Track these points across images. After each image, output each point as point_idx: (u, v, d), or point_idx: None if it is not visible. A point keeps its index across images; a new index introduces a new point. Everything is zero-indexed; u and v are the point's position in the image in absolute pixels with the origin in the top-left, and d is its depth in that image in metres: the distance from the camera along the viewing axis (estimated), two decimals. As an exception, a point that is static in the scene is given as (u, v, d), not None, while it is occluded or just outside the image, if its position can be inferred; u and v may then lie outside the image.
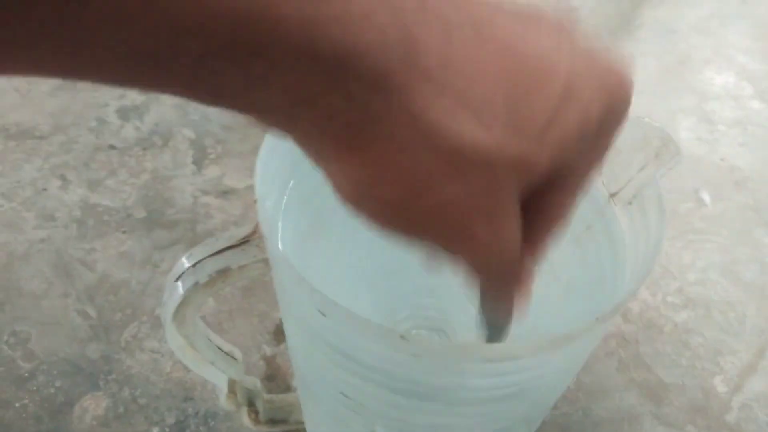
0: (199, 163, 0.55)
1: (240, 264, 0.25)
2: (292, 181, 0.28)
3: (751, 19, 0.73)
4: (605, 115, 0.17)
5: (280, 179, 0.27)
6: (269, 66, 0.13)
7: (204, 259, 0.25)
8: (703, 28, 0.72)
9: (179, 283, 0.25)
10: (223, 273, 0.25)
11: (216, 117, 0.59)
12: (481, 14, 0.15)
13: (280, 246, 0.23)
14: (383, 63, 0.13)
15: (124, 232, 0.50)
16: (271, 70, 0.13)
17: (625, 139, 0.27)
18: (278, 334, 0.45)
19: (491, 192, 0.16)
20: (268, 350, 0.44)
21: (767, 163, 0.59)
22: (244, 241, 0.25)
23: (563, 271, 0.32)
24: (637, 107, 0.28)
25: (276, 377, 0.43)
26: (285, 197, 0.28)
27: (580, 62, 0.16)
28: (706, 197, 0.55)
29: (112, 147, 0.56)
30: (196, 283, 0.25)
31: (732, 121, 0.62)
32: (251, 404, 0.36)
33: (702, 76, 0.67)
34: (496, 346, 0.21)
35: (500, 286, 0.19)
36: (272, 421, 0.37)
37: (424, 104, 0.14)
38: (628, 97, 0.18)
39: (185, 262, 0.25)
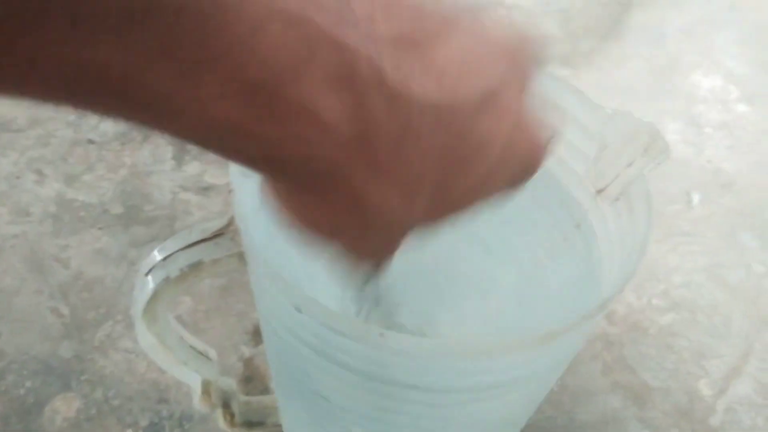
0: (179, 158, 0.54)
1: (213, 257, 0.24)
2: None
3: (739, 25, 0.74)
4: (505, 192, 0.19)
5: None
6: (244, 158, 0.15)
7: (176, 252, 0.24)
8: (692, 33, 0.72)
9: (149, 277, 0.24)
10: (196, 267, 0.24)
11: (198, 112, 0.58)
12: (450, 92, 0.16)
13: (255, 239, 0.22)
14: (336, 161, 0.15)
15: (100, 229, 0.49)
16: (245, 159, 0.15)
17: (612, 134, 0.27)
18: (256, 335, 0.44)
19: (395, 241, 0.19)
20: (246, 351, 0.43)
21: (753, 166, 0.58)
22: (218, 234, 0.24)
23: (551, 270, 0.31)
24: (625, 109, 0.28)
25: (254, 378, 0.42)
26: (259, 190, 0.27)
27: (509, 144, 0.18)
28: (693, 199, 0.55)
29: (90, 141, 0.55)
30: (167, 278, 0.24)
31: (719, 124, 0.62)
32: (227, 406, 0.34)
33: (690, 79, 0.67)
34: (477, 343, 0.20)
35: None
36: (249, 424, 0.36)
37: (362, 187, 0.16)
38: (528, 178, 0.19)
39: (156, 255, 0.24)
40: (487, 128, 0.17)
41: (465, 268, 0.34)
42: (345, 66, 0.14)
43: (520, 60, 0.18)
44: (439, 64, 0.16)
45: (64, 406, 0.40)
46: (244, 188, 0.23)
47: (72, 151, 0.54)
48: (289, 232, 0.19)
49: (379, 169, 0.16)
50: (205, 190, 0.52)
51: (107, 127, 0.56)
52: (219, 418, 0.35)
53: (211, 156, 0.57)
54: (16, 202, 0.50)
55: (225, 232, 0.24)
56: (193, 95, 0.13)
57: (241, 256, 0.24)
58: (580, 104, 0.27)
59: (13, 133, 0.55)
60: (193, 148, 0.55)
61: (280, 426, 0.37)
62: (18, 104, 0.57)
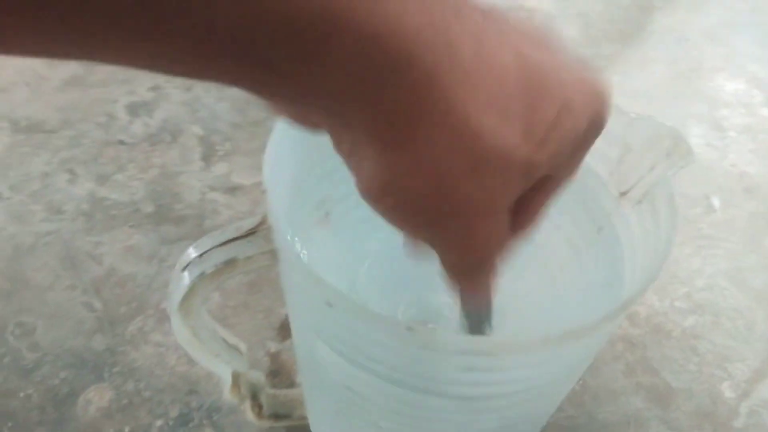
0: (207, 159, 0.55)
1: (247, 255, 0.25)
2: (301, 173, 0.28)
3: (761, 28, 0.73)
4: (589, 129, 0.18)
5: (289, 170, 0.27)
6: (335, 60, 0.14)
7: (211, 249, 0.25)
8: (714, 36, 0.72)
9: (186, 273, 0.25)
10: (230, 263, 0.25)
11: (224, 114, 0.59)
12: (502, 26, 0.17)
13: (288, 237, 0.23)
14: (431, 65, 0.15)
15: (131, 227, 0.50)
16: (336, 65, 0.14)
17: (636, 138, 0.27)
18: (283, 330, 0.45)
19: (498, 195, 0.17)
20: (272, 346, 0.44)
21: (777, 170, 0.58)
22: (252, 232, 0.25)
23: (574, 273, 0.32)
24: (647, 113, 0.28)
25: (280, 373, 0.43)
26: (294, 189, 0.28)
27: (574, 79, 0.18)
28: (715, 203, 0.55)
29: (121, 142, 0.56)
30: (203, 273, 0.25)
31: (742, 127, 0.62)
32: (255, 398, 0.35)
33: (713, 83, 0.67)
34: (504, 340, 0.21)
35: (479, 280, 0.20)
36: (276, 416, 0.37)
37: (460, 100, 0.15)
38: (607, 114, 0.19)
39: (192, 252, 0.25)
40: (545, 58, 0.17)
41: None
42: None
43: (555, 39, 0.19)
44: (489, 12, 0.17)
45: (96, 397, 0.41)
46: (277, 187, 0.24)
47: (103, 152, 0.55)
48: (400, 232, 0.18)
49: (469, 77, 0.15)
50: (233, 190, 0.53)
51: (137, 128, 0.58)
52: (247, 409, 0.36)
53: (239, 157, 0.58)
54: (49, 201, 0.51)
55: (258, 230, 0.25)
56: None
57: (273, 253, 0.25)
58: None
59: (46, 134, 0.57)
60: (221, 149, 0.56)
61: (306, 419, 0.37)
62: (50, 106, 0.59)
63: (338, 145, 0.18)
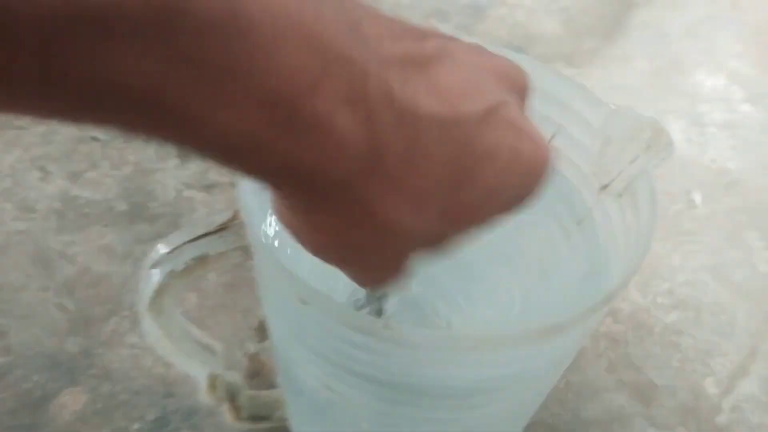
0: (183, 156, 0.54)
1: (218, 251, 0.24)
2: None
3: (741, 24, 0.74)
4: (514, 205, 0.19)
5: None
6: (254, 170, 0.15)
7: (181, 245, 0.24)
8: (694, 32, 0.72)
9: (155, 270, 0.25)
10: (201, 260, 0.24)
11: (203, 111, 0.58)
12: (452, 108, 0.17)
13: (260, 232, 0.22)
14: (348, 174, 0.15)
15: (105, 225, 0.49)
16: (255, 171, 0.15)
17: (616, 130, 0.27)
18: (262, 331, 0.44)
19: (401, 255, 0.19)
20: (251, 347, 0.43)
21: (758, 165, 0.58)
22: (223, 228, 0.24)
23: (555, 267, 0.31)
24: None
25: (260, 374, 0.42)
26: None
27: (514, 155, 0.18)
28: (696, 199, 0.55)
29: (94, 139, 0.55)
30: (172, 271, 0.24)
31: (723, 123, 0.62)
32: (233, 400, 0.35)
33: (693, 79, 0.67)
34: (481, 335, 0.20)
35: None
36: (255, 418, 0.36)
37: (376, 200, 0.16)
38: (538, 189, 0.19)
39: (161, 249, 0.25)
40: (491, 139, 0.18)
41: (468, 264, 0.34)
42: (357, 82, 0.15)
43: (517, 81, 0.19)
44: (442, 82, 0.17)
45: (71, 400, 0.40)
46: (249, 182, 0.24)
47: (76, 149, 0.54)
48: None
49: (390, 181, 0.16)
50: (210, 187, 0.52)
51: (113, 124, 0.56)
52: (226, 412, 0.35)
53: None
54: (21, 199, 0.50)
55: (230, 225, 0.24)
56: (215, 104, 0.13)
57: (246, 250, 0.24)
58: (582, 99, 0.27)
59: (17, 130, 0.55)
60: (198, 146, 0.55)
61: (286, 420, 0.37)
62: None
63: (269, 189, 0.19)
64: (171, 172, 0.53)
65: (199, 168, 0.53)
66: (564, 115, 0.28)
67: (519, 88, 0.19)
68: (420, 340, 0.20)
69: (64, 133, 0.55)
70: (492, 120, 0.18)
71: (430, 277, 0.33)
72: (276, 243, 0.25)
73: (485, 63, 0.18)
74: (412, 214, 0.17)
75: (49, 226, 0.49)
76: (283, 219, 0.18)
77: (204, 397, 0.32)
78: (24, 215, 0.49)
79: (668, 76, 0.67)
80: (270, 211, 0.28)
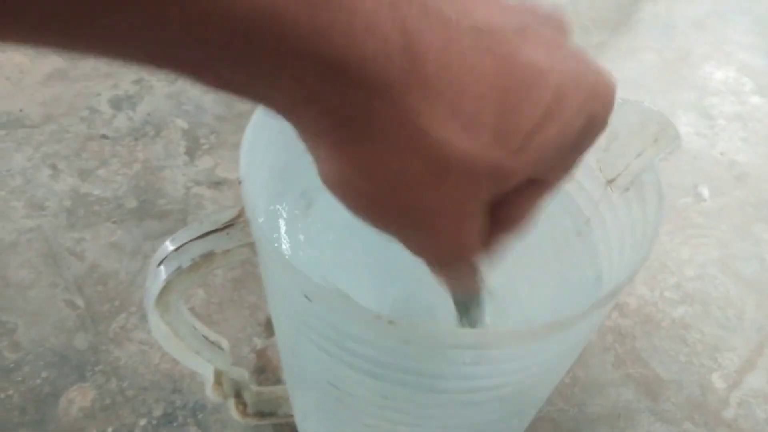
0: (191, 153, 0.54)
1: (224, 248, 0.24)
2: (278, 165, 0.27)
3: (750, 16, 0.73)
4: (584, 129, 0.17)
5: (266, 162, 0.26)
6: (276, 66, 0.13)
7: (187, 242, 0.24)
8: (703, 24, 0.71)
9: (162, 267, 0.25)
10: (208, 257, 0.24)
11: (210, 108, 0.58)
12: (483, 19, 0.15)
13: (265, 229, 0.22)
14: (383, 71, 0.14)
15: (114, 222, 0.49)
16: (277, 70, 0.14)
17: (623, 124, 0.27)
18: (269, 327, 0.44)
19: (464, 199, 0.17)
20: (258, 342, 0.43)
21: (767, 158, 0.58)
22: (229, 225, 0.24)
23: (562, 262, 0.31)
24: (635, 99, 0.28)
25: (266, 370, 0.42)
26: (271, 181, 0.27)
27: (569, 74, 0.16)
28: (705, 192, 0.54)
29: (104, 137, 0.55)
30: (179, 268, 0.24)
31: (732, 115, 0.62)
32: (239, 396, 0.35)
33: (702, 71, 0.66)
34: (487, 331, 0.20)
35: (457, 275, 0.20)
36: (261, 414, 0.36)
37: (418, 111, 0.15)
38: (609, 113, 0.18)
39: (169, 246, 0.25)
40: (534, 55, 0.16)
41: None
42: None
43: (557, 21, 0.17)
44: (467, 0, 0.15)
45: (79, 396, 0.41)
46: (256, 178, 0.24)
47: (86, 147, 0.54)
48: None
49: (431, 89, 0.15)
50: (218, 184, 0.52)
51: (121, 122, 0.57)
52: (231, 407, 0.35)
53: (224, 150, 0.58)
54: (31, 197, 0.51)
55: (236, 222, 0.24)
56: None
57: (252, 247, 0.24)
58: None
59: (28, 128, 0.55)
60: (205, 142, 0.55)
61: (291, 416, 0.37)
62: (32, 100, 0.57)
63: (300, 135, 0.17)
64: (180, 169, 0.53)
65: (207, 165, 0.54)
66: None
67: (555, 24, 0.17)
68: (424, 336, 0.20)
69: (74, 131, 0.55)
70: (529, 37, 0.16)
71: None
72: (285, 241, 0.25)
73: (513, 2, 0.17)
74: (462, 133, 0.15)
75: (59, 223, 0.49)
76: (328, 176, 0.17)
77: (209, 393, 0.33)
78: (34, 212, 0.50)
79: (677, 69, 0.66)
80: (275, 208, 0.28)
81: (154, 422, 0.39)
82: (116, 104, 0.58)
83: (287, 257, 0.21)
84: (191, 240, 0.24)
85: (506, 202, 0.18)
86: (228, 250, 0.24)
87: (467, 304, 0.22)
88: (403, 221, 0.17)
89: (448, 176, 0.16)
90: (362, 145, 0.15)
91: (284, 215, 0.28)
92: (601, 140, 0.28)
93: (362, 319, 0.21)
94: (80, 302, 0.45)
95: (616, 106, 0.27)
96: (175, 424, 0.39)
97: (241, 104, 0.58)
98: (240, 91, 0.14)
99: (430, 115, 0.15)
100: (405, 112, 0.15)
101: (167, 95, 0.59)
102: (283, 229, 0.28)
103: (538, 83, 0.16)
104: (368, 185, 0.16)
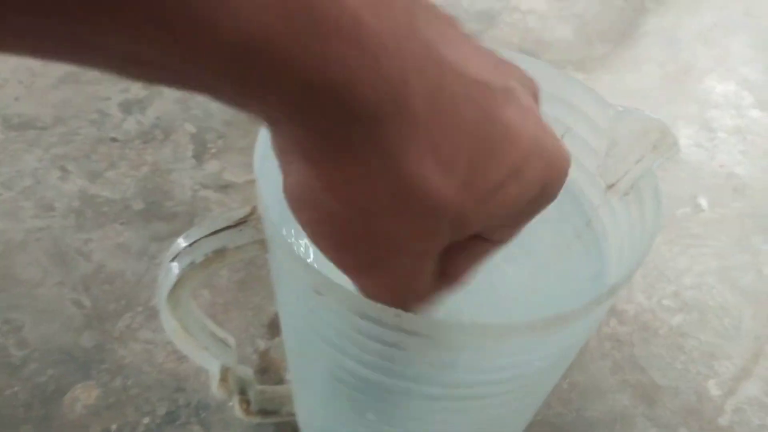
0: (199, 157, 0.55)
1: (237, 244, 0.25)
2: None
3: (753, 30, 0.74)
4: (537, 197, 0.18)
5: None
6: (263, 87, 0.13)
7: (200, 239, 0.25)
8: (706, 38, 0.73)
9: (175, 263, 0.25)
10: (220, 253, 0.25)
11: (217, 112, 0.59)
12: (477, 71, 0.16)
13: (278, 226, 0.23)
14: (374, 101, 0.14)
15: (122, 224, 0.50)
16: (264, 90, 0.14)
17: (623, 131, 0.27)
18: (272, 328, 0.45)
19: (425, 237, 0.17)
20: (261, 343, 0.44)
21: (766, 170, 0.59)
22: (242, 222, 0.25)
23: (562, 266, 0.32)
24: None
25: (269, 370, 0.43)
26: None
27: (537, 140, 0.17)
28: (704, 203, 0.55)
29: (113, 139, 0.56)
30: (192, 263, 0.25)
31: (732, 129, 0.63)
32: (243, 393, 0.35)
33: (703, 84, 0.67)
34: (492, 326, 0.21)
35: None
36: (264, 412, 0.37)
37: (400, 142, 0.15)
38: (561, 186, 0.19)
39: (182, 242, 0.25)
40: (513, 116, 0.17)
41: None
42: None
43: (530, 86, 0.18)
44: (463, 49, 0.16)
45: (84, 394, 0.41)
46: (268, 176, 0.24)
47: (95, 149, 0.55)
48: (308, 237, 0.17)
49: (417, 127, 0.15)
50: (224, 187, 0.53)
51: (130, 126, 0.58)
52: (235, 406, 0.36)
53: (231, 154, 0.58)
54: (40, 198, 0.51)
55: (248, 219, 0.25)
56: (230, 5, 0.12)
57: (263, 243, 0.25)
58: (590, 101, 0.28)
59: (38, 130, 0.56)
60: (213, 146, 0.56)
61: (293, 415, 0.37)
62: (43, 103, 0.58)
63: (273, 141, 0.17)
64: (187, 172, 0.54)
65: (214, 169, 0.54)
66: (572, 116, 0.29)
67: (532, 91, 0.19)
68: (432, 329, 0.21)
69: (84, 134, 0.56)
70: (512, 99, 0.17)
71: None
72: (292, 235, 0.26)
73: (502, 62, 0.18)
74: (436, 172, 0.16)
75: (68, 223, 0.50)
76: (294, 188, 0.17)
77: (215, 389, 0.33)
78: (43, 213, 0.50)
79: (678, 82, 0.67)
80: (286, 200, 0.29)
81: (158, 420, 0.40)
82: (126, 108, 0.59)
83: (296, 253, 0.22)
84: (204, 236, 0.25)
85: (451, 255, 0.19)
86: (240, 246, 0.25)
87: None
88: (360, 248, 0.17)
89: (416, 209, 0.16)
90: (338, 163, 0.15)
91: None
92: (602, 146, 0.29)
93: (370, 312, 0.21)
94: (87, 301, 0.45)
95: (616, 114, 0.28)
96: (178, 422, 0.40)
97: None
98: (220, 99, 0.15)
99: (410, 148, 0.15)
100: (387, 141, 0.15)
101: (176, 100, 0.60)
102: (294, 226, 0.29)
103: (511, 143, 0.17)
104: (335, 204, 0.16)
